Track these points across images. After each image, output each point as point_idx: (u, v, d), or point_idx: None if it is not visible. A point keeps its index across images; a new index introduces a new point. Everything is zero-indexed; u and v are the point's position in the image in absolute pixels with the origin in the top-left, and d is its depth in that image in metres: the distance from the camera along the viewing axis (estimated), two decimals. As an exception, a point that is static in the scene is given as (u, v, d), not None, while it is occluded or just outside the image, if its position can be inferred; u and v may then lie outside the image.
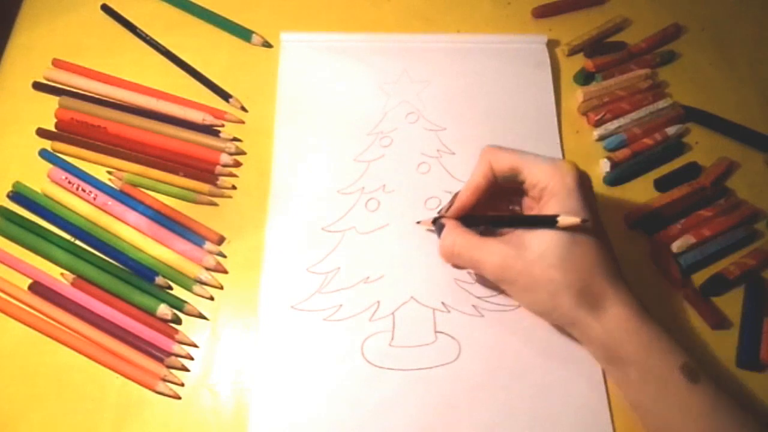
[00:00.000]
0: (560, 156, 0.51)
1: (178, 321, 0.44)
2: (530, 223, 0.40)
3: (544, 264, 0.38)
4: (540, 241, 0.38)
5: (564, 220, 0.37)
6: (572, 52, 0.56)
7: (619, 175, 0.50)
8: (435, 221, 0.44)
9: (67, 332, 0.43)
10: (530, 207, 0.43)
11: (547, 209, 0.39)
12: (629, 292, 0.39)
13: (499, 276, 0.40)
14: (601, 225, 0.41)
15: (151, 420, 0.41)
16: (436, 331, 0.44)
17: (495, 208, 0.45)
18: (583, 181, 0.40)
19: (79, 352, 0.43)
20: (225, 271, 0.46)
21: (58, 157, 0.50)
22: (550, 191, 0.39)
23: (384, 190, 0.49)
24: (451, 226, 0.42)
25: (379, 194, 0.48)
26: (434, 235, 0.47)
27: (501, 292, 0.45)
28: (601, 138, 0.52)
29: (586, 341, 0.40)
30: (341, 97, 0.52)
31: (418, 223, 0.46)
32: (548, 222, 0.38)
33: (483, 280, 0.45)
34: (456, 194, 0.43)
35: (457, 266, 0.43)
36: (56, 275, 0.45)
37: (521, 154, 0.41)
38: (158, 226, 0.46)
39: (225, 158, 0.49)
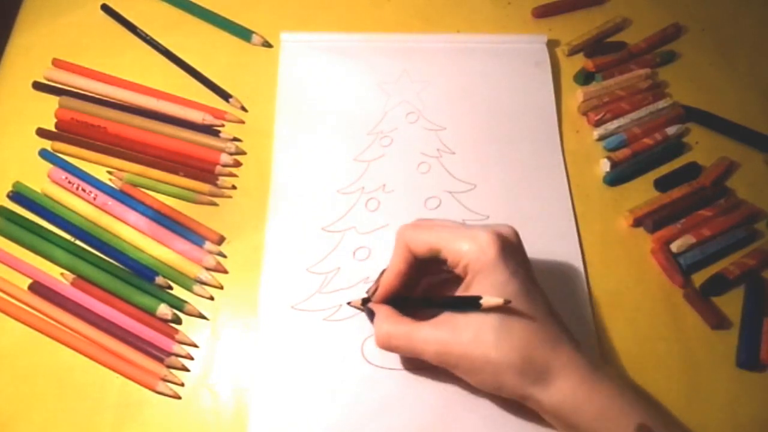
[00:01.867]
0: (560, 156, 0.51)
1: (178, 321, 0.44)
2: (457, 306, 0.38)
3: (479, 346, 0.36)
4: (473, 322, 0.36)
5: (487, 301, 0.35)
6: (572, 52, 0.56)
7: (619, 175, 0.50)
8: (364, 303, 0.42)
9: (67, 332, 0.43)
10: (458, 279, 0.40)
11: (474, 286, 0.37)
12: (577, 356, 0.37)
13: (440, 362, 0.38)
14: (533, 287, 0.38)
15: (151, 420, 0.41)
16: (436, 331, 0.44)
17: (432, 275, 0.42)
18: (505, 247, 0.37)
19: (79, 352, 0.43)
20: (225, 271, 0.46)
21: (58, 157, 0.50)
22: (473, 269, 0.37)
23: (384, 189, 0.49)
24: (382, 315, 0.39)
25: (379, 194, 0.48)
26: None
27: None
28: (601, 138, 0.52)
29: (541, 412, 0.38)
30: (341, 97, 0.52)
31: (349, 304, 0.44)
32: (472, 304, 0.36)
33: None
34: (381, 273, 0.41)
35: (402, 355, 0.42)
36: (56, 275, 0.45)
37: (437, 233, 0.38)
38: (158, 226, 0.46)
39: (225, 158, 0.49)
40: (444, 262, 0.39)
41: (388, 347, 0.39)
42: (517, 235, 0.39)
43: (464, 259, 0.37)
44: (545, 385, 0.36)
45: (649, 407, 0.37)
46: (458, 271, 0.38)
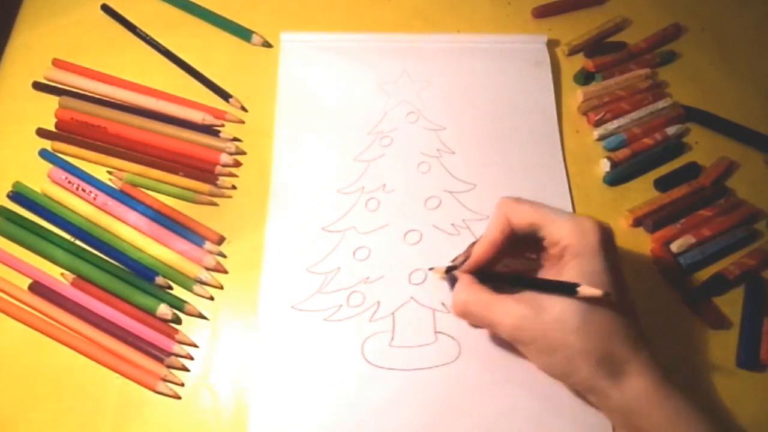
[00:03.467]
0: (561, 156, 0.51)
1: (178, 321, 0.44)
2: (549, 288, 0.37)
3: (562, 328, 0.36)
4: (559, 303, 0.36)
5: (584, 290, 0.35)
6: (572, 52, 0.56)
7: (619, 175, 0.50)
8: (448, 271, 0.42)
9: (67, 332, 0.43)
10: (549, 260, 0.40)
11: (568, 270, 0.37)
12: (653, 361, 0.37)
13: (514, 337, 0.38)
14: (624, 285, 0.38)
15: (151, 420, 0.41)
16: (436, 331, 0.44)
17: (511, 258, 0.42)
18: (606, 239, 0.37)
19: (79, 352, 0.43)
20: (225, 271, 0.46)
21: (58, 157, 0.50)
22: (572, 251, 0.37)
23: (384, 189, 0.49)
24: (464, 282, 0.40)
25: (379, 194, 0.48)
26: (435, 236, 0.47)
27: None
28: (601, 138, 0.52)
29: (605, 409, 0.38)
30: (341, 97, 0.52)
31: (431, 269, 0.45)
32: (568, 290, 0.36)
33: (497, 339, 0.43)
34: (472, 244, 0.41)
35: (470, 323, 0.42)
36: (56, 275, 0.45)
37: (541, 210, 0.39)
38: (158, 226, 0.46)
39: (225, 158, 0.49)
40: (534, 243, 0.39)
41: (464, 313, 0.39)
42: (612, 232, 0.39)
43: (565, 239, 0.37)
44: (619, 381, 0.36)
45: (716, 425, 0.36)
46: (554, 251, 0.38)
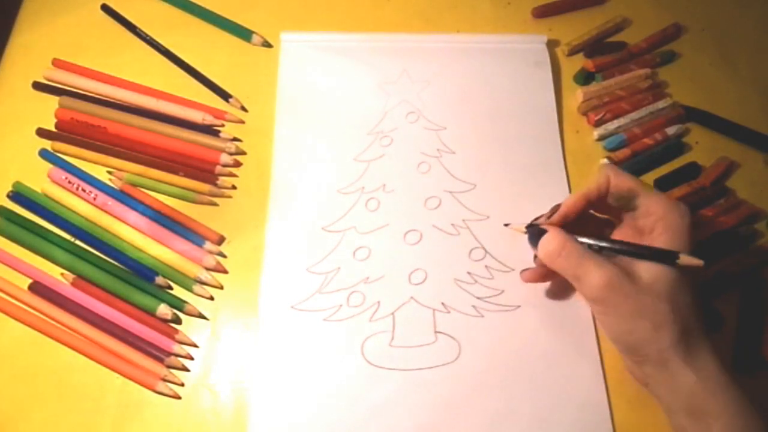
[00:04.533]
0: (561, 156, 0.51)
1: (178, 321, 0.44)
2: (648, 255, 0.38)
3: (654, 293, 0.37)
4: (653, 271, 0.37)
5: (686, 259, 0.37)
6: (572, 52, 0.56)
7: (619, 175, 0.50)
8: (530, 226, 0.43)
9: (67, 332, 0.43)
10: (636, 231, 0.41)
11: (660, 242, 0.38)
12: (713, 347, 0.38)
13: (602, 295, 0.38)
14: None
15: (151, 420, 0.41)
16: (436, 331, 0.44)
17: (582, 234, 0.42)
18: (692, 223, 0.39)
19: (79, 352, 0.43)
20: (225, 271, 0.46)
21: (58, 157, 0.50)
22: (667, 224, 0.38)
23: (384, 189, 0.49)
24: (556, 231, 0.40)
25: (379, 194, 0.48)
26: (435, 236, 0.47)
27: (501, 292, 0.45)
28: (601, 138, 0.52)
29: (670, 388, 0.38)
30: (341, 97, 0.52)
31: (507, 225, 0.45)
32: (667, 257, 0.37)
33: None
34: (556, 206, 0.42)
35: (553, 271, 0.41)
36: (56, 275, 0.45)
37: (641, 182, 0.41)
38: (158, 226, 0.46)
39: (225, 158, 0.49)
40: (606, 223, 0.42)
41: (554, 259, 0.40)
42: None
43: (660, 212, 0.39)
44: (692, 359, 0.37)
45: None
46: (646, 222, 0.40)
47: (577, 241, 0.39)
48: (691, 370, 0.36)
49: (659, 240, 0.39)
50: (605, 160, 0.50)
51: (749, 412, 0.36)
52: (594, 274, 0.38)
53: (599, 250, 0.40)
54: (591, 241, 0.40)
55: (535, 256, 0.44)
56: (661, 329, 0.37)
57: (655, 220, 0.39)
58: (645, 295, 0.37)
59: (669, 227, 0.38)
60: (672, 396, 0.38)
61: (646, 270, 0.38)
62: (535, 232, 0.41)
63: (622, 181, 0.40)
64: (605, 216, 0.45)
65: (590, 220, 0.44)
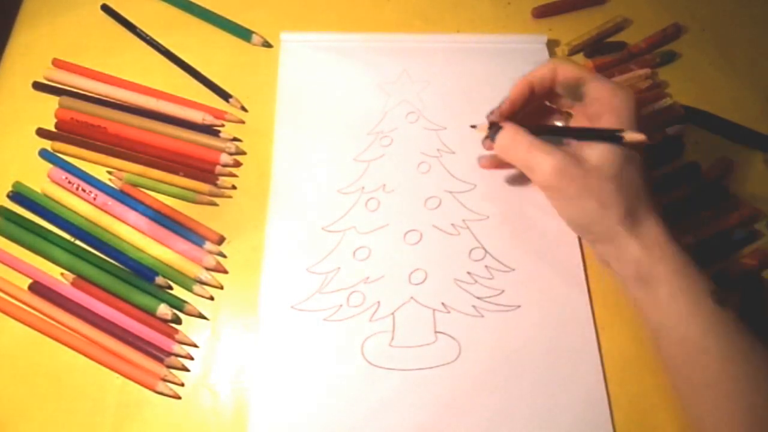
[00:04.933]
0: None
1: (178, 321, 0.44)
2: (594, 136, 0.41)
3: (600, 174, 0.39)
4: (598, 153, 0.40)
5: (630, 135, 0.39)
6: (572, 52, 0.56)
7: (619, 175, 0.50)
8: (491, 126, 0.44)
9: (67, 332, 0.43)
10: (584, 117, 0.43)
11: (606, 125, 0.41)
12: (663, 219, 0.40)
13: (551, 181, 0.40)
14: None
15: (151, 420, 0.41)
16: (436, 331, 0.44)
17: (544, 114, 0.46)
18: (638, 107, 0.41)
19: (79, 352, 0.43)
20: (225, 271, 0.46)
21: (58, 157, 0.50)
22: (612, 108, 0.41)
23: (384, 189, 0.49)
24: (509, 125, 0.43)
25: (379, 194, 0.48)
26: (435, 236, 0.47)
27: (501, 292, 0.45)
28: (601, 138, 0.52)
29: (619, 260, 0.40)
30: (341, 97, 0.52)
31: (473, 127, 0.46)
32: (613, 137, 0.39)
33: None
34: (506, 97, 0.44)
35: (506, 163, 0.44)
36: (56, 275, 0.45)
37: (587, 69, 0.43)
38: (158, 226, 0.46)
39: (225, 158, 0.49)
40: (554, 113, 0.44)
41: (507, 152, 0.43)
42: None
43: (607, 97, 0.41)
44: (639, 231, 0.39)
45: (712, 283, 0.39)
46: (593, 108, 0.42)
47: (528, 134, 0.42)
48: (636, 241, 0.39)
49: (606, 123, 0.41)
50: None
51: (691, 277, 0.39)
52: (544, 162, 0.40)
53: (549, 137, 0.42)
54: (545, 133, 0.42)
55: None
56: (606, 207, 0.39)
57: (601, 105, 0.41)
58: (591, 177, 0.39)
59: (614, 110, 0.40)
60: (622, 266, 0.40)
61: (593, 153, 0.40)
62: (494, 130, 0.43)
63: (568, 70, 0.42)
64: (564, 110, 0.46)
65: (546, 114, 0.47)
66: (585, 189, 0.40)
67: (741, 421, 0.36)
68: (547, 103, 0.47)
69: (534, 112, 0.47)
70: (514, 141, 0.42)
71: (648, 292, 0.40)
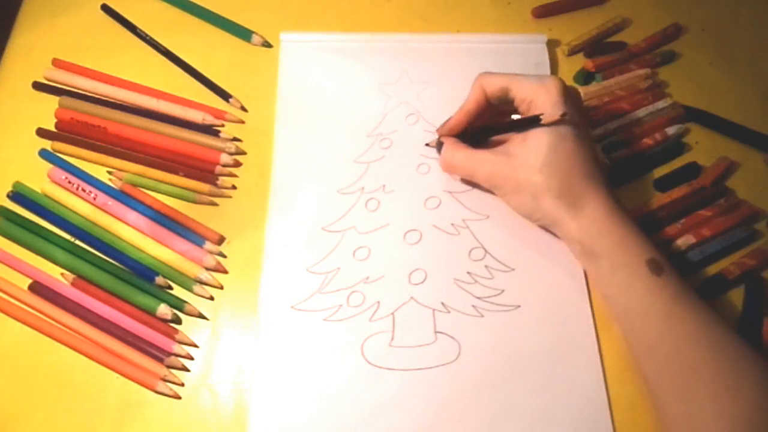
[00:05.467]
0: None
1: (178, 321, 0.44)
2: (517, 126, 0.44)
3: (527, 168, 0.42)
4: (524, 148, 0.43)
5: (547, 117, 0.41)
6: (572, 52, 0.56)
7: (619, 175, 0.50)
8: (438, 143, 0.48)
9: (67, 332, 0.43)
10: None
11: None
12: (606, 192, 0.42)
13: (490, 182, 0.45)
14: (588, 133, 0.45)
15: (151, 420, 0.41)
16: (436, 331, 0.44)
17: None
18: (567, 93, 0.43)
19: (79, 352, 0.43)
20: (225, 271, 0.46)
21: (58, 157, 0.50)
22: (536, 104, 0.43)
23: (384, 190, 0.49)
24: (449, 142, 0.47)
25: (379, 194, 0.48)
26: (435, 236, 0.47)
27: (501, 291, 0.45)
28: (601, 138, 0.52)
29: (565, 238, 0.44)
30: (341, 98, 0.52)
31: (427, 145, 0.50)
32: (533, 121, 0.42)
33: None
34: (449, 119, 0.48)
35: (457, 176, 0.48)
36: (56, 275, 0.45)
37: (510, 75, 0.45)
38: (158, 226, 0.46)
39: (225, 158, 0.49)
40: (510, 110, 0.46)
41: (450, 166, 0.47)
42: (579, 93, 0.47)
43: (530, 95, 0.43)
44: (576, 212, 0.42)
45: (657, 248, 0.41)
46: (522, 108, 0.45)
47: (465, 146, 0.46)
48: (575, 222, 0.42)
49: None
50: (606, 161, 0.50)
51: (631, 249, 0.41)
52: (480, 170, 0.45)
53: (481, 137, 0.47)
54: (477, 134, 0.47)
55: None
56: (538, 198, 0.42)
57: (528, 102, 0.44)
58: (520, 172, 0.43)
59: (538, 104, 0.43)
60: (569, 244, 0.44)
61: (520, 149, 0.43)
62: (438, 145, 0.48)
63: (492, 83, 0.45)
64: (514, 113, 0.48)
65: (499, 115, 0.48)
66: (517, 185, 0.43)
67: (682, 382, 0.38)
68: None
69: (494, 116, 0.48)
70: (453, 157, 0.46)
71: (593, 266, 0.43)
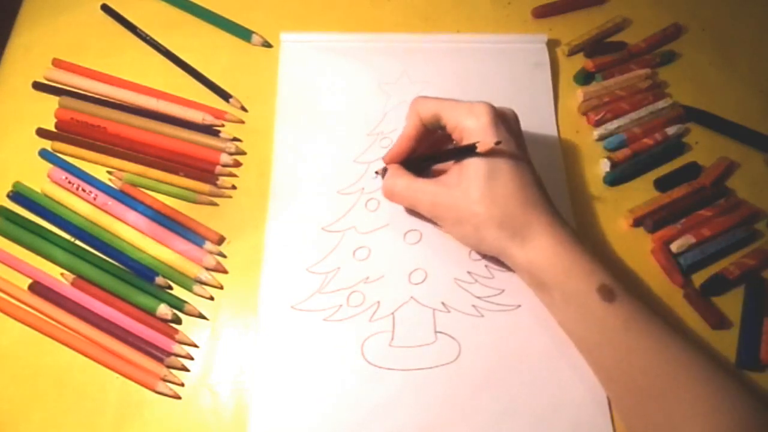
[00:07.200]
0: (559, 156, 0.51)
1: (178, 321, 0.44)
2: (454, 154, 0.43)
3: (467, 199, 0.41)
4: (463, 178, 0.41)
5: (482, 145, 0.40)
6: (572, 52, 0.56)
7: (619, 175, 0.50)
8: (384, 169, 0.47)
9: (67, 332, 0.43)
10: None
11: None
12: (552, 219, 0.41)
13: (431, 213, 0.44)
14: (523, 156, 0.43)
15: (151, 420, 0.41)
16: (436, 331, 0.44)
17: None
18: (499, 118, 0.42)
19: (79, 352, 0.43)
20: (225, 271, 0.46)
21: (58, 157, 0.50)
22: (468, 131, 0.41)
23: (384, 190, 0.49)
24: (392, 170, 0.45)
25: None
26: (435, 236, 0.47)
27: (501, 291, 0.45)
28: (601, 138, 0.52)
29: (514, 268, 0.43)
30: (341, 98, 0.52)
31: (377, 173, 0.48)
32: (469, 150, 0.41)
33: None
34: (393, 145, 0.46)
35: (399, 203, 0.47)
36: (56, 275, 0.45)
37: (442, 101, 0.43)
38: (158, 226, 0.46)
39: (225, 158, 0.49)
40: (445, 131, 0.44)
41: (392, 195, 0.45)
42: (515, 115, 0.44)
43: (461, 123, 0.42)
44: (521, 242, 0.41)
45: (608, 271, 0.40)
46: (455, 136, 0.43)
47: (408, 174, 0.44)
48: (520, 251, 0.41)
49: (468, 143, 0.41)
50: (606, 161, 0.50)
51: (580, 277, 0.39)
52: (421, 200, 0.44)
53: (422, 166, 0.46)
54: (419, 163, 0.46)
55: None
56: (481, 229, 0.41)
57: (459, 131, 0.42)
58: (461, 203, 0.41)
59: (470, 132, 0.41)
60: (519, 274, 0.43)
61: (460, 179, 0.41)
62: (383, 171, 0.47)
63: (426, 109, 0.43)
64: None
65: (446, 139, 0.46)
66: (458, 216, 0.42)
67: (641, 411, 0.38)
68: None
69: (439, 140, 0.47)
70: (394, 184, 0.45)
71: (546, 296, 0.42)
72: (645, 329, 0.39)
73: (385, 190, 0.45)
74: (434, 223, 0.46)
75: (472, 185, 0.41)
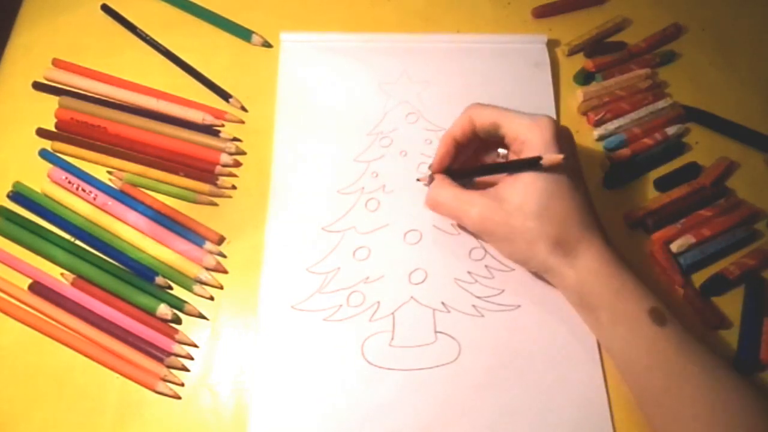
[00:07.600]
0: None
1: (178, 321, 0.44)
2: (516, 167, 0.41)
3: (521, 215, 0.40)
4: (518, 193, 0.40)
5: (547, 159, 0.39)
6: (572, 52, 0.56)
7: (619, 175, 0.50)
8: (431, 177, 0.46)
9: (67, 332, 0.43)
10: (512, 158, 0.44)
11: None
12: (603, 240, 0.41)
13: (479, 227, 0.42)
14: (581, 177, 0.43)
15: (151, 420, 0.41)
16: (436, 331, 0.44)
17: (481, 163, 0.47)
18: (562, 134, 0.41)
19: (79, 352, 0.43)
20: (225, 271, 0.46)
21: (58, 157, 0.50)
22: (529, 144, 0.40)
23: (384, 190, 0.49)
24: (438, 179, 0.44)
25: (379, 194, 0.48)
26: (435, 236, 0.47)
27: (501, 291, 0.45)
28: (601, 138, 0.52)
29: (561, 287, 0.42)
30: (341, 97, 0.52)
31: (419, 180, 0.47)
32: (532, 163, 0.39)
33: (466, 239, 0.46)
34: (437, 150, 0.45)
35: (442, 215, 0.45)
36: (56, 275, 0.45)
37: (503, 110, 0.42)
38: (158, 226, 0.46)
39: (225, 158, 0.49)
40: (497, 143, 0.43)
41: (436, 205, 0.44)
42: (570, 132, 0.44)
43: (522, 135, 0.41)
44: (573, 260, 0.40)
45: (657, 296, 0.40)
46: (514, 147, 0.42)
47: (454, 184, 0.43)
48: (571, 271, 0.40)
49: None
50: (606, 161, 0.50)
51: (630, 299, 0.39)
52: (469, 213, 0.42)
53: (471, 178, 0.45)
54: (471, 175, 0.45)
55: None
56: (533, 245, 0.40)
57: (521, 142, 0.41)
58: (514, 218, 0.40)
59: (533, 145, 0.40)
60: (566, 293, 0.42)
61: (514, 193, 0.40)
62: (429, 181, 0.45)
63: (483, 117, 0.42)
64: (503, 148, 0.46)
65: (487, 150, 0.46)
66: (510, 231, 0.40)
67: None
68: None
69: (480, 149, 0.47)
70: (439, 194, 0.43)
71: (592, 318, 0.41)
72: (695, 355, 0.38)
73: (430, 200, 0.44)
74: (478, 237, 0.46)
75: (531, 200, 0.40)
